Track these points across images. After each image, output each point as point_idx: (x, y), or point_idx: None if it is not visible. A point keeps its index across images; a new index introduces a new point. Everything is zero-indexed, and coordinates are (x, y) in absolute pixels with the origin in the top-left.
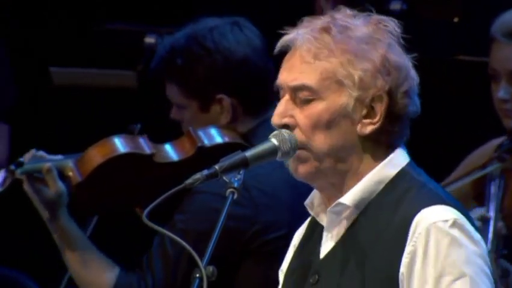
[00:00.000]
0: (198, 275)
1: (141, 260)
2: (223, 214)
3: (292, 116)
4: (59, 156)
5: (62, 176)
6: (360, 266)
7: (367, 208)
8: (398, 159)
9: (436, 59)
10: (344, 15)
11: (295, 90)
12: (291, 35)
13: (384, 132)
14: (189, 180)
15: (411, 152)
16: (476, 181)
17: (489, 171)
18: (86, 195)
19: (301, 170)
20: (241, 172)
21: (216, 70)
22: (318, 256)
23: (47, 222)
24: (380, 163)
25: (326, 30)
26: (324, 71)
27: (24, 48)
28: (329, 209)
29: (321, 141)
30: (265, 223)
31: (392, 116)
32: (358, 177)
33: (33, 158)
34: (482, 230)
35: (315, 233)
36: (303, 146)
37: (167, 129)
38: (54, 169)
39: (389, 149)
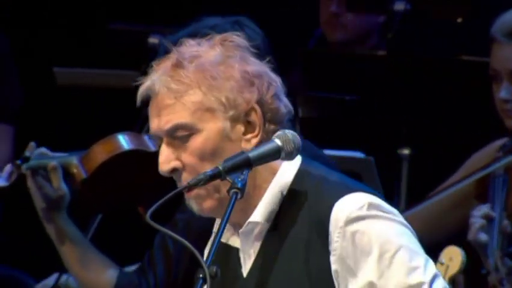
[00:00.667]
0: (201, 275)
1: (142, 259)
2: (227, 214)
3: (177, 159)
4: (64, 154)
5: (67, 173)
6: (286, 275)
7: (276, 219)
8: (291, 163)
9: (439, 59)
10: (188, 46)
11: (171, 132)
12: (147, 83)
13: (264, 139)
14: (193, 181)
15: (413, 152)
16: (478, 181)
17: (492, 170)
18: (91, 193)
19: (206, 207)
20: (244, 172)
21: None
22: (242, 276)
23: (44, 221)
24: (276, 171)
25: (177, 65)
26: (191, 105)
27: (28, 49)
28: (240, 230)
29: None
30: None
31: (269, 122)
32: (260, 192)
33: (39, 154)
34: (487, 228)
35: (231, 255)
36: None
37: None
38: (59, 167)
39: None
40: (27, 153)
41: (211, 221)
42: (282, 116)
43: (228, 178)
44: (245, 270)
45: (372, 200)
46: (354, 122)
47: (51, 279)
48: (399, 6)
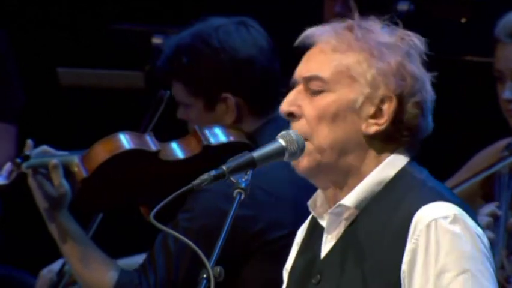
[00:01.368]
0: (205, 276)
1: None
2: (231, 214)
3: (300, 106)
4: (65, 152)
5: (68, 171)
6: (361, 266)
7: (367, 208)
8: (398, 159)
9: (443, 59)
10: (371, 23)
11: (308, 81)
12: (313, 29)
13: (389, 137)
14: (196, 181)
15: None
16: (484, 180)
17: (498, 170)
18: (92, 192)
19: (303, 163)
20: (248, 173)
21: (221, 69)
22: (319, 256)
23: (46, 220)
24: (381, 162)
25: (348, 28)
26: (338, 65)
27: (31, 49)
28: (329, 211)
29: (324, 133)
30: (268, 222)
31: (400, 122)
32: (359, 177)
33: (40, 152)
34: (493, 227)
35: (316, 232)
36: (306, 137)
37: (174, 130)
38: (60, 166)
39: (394, 152)
40: (27, 152)
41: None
42: (417, 128)
43: (231, 178)
44: (323, 251)
45: (460, 214)
46: None
47: (56, 265)
48: (402, 6)
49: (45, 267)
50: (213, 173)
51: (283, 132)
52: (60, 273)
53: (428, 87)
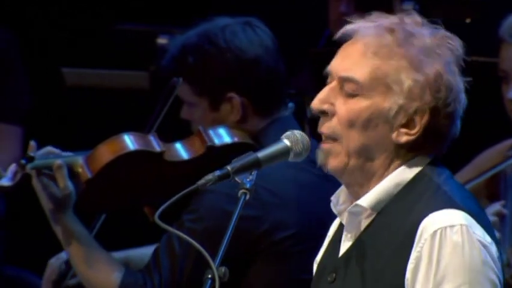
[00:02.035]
0: (210, 276)
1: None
2: (236, 215)
3: (332, 104)
4: (69, 153)
5: (72, 172)
6: (370, 269)
7: (384, 210)
8: (419, 161)
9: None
10: (413, 21)
11: (343, 81)
12: (355, 25)
13: (418, 145)
14: (201, 181)
15: None
16: (489, 180)
17: (503, 169)
18: (96, 192)
19: (330, 163)
20: (253, 173)
21: (227, 69)
22: (338, 255)
23: (51, 221)
24: (402, 164)
25: (390, 31)
26: (376, 70)
27: (37, 49)
28: (348, 209)
29: (354, 138)
30: (273, 223)
31: (431, 132)
32: (381, 177)
33: (45, 153)
34: (499, 226)
35: (340, 229)
36: (334, 137)
37: (179, 130)
38: (64, 166)
39: (418, 156)
40: (31, 153)
41: (218, 223)
42: (446, 136)
43: (236, 178)
44: (341, 250)
45: (467, 224)
46: None
47: (65, 253)
48: (407, 7)
49: (54, 256)
50: (217, 173)
51: (288, 133)
52: (69, 261)
53: (462, 96)
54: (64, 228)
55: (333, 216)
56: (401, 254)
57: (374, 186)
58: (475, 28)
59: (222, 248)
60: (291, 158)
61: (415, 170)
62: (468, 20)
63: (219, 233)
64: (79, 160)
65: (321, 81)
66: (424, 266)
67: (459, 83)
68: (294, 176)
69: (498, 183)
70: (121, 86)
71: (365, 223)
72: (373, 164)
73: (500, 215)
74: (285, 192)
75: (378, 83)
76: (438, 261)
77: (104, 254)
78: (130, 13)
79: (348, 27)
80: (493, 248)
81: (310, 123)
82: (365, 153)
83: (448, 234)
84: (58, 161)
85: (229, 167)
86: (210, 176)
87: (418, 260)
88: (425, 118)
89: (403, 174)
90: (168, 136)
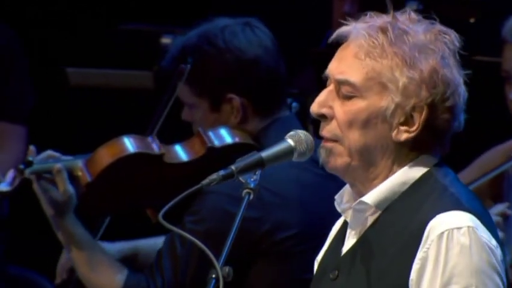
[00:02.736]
0: (213, 276)
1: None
2: (240, 214)
3: (331, 107)
4: (69, 157)
5: (72, 176)
6: (374, 268)
7: (389, 209)
8: (426, 161)
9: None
10: (407, 19)
11: (339, 83)
12: (348, 27)
13: (420, 142)
14: (205, 181)
15: None
16: (492, 180)
17: (506, 169)
18: (96, 196)
19: (332, 163)
20: (257, 173)
21: (227, 69)
22: (341, 252)
23: (53, 224)
24: (408, 162)
25: (382, 30)
26: (370, 71)
27: (41, 49)
28: (352, 206)
29: (355, 138)
30: (275, 223)
31: (431, 128)
32: (385, 175)
33: (44, 157)
34: (503, 226)
35: (344, 228)
36: (336, 139)
37: (183, 129)
38: (64, 170)
39: (422, 155)
40: (29, 158)
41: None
42: (448, 131)
43: (240, 178)
44: (345, 248)
45: (474, 226)
46: None
47: None
48: (411, 6)
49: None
50: (221, 172)
51: (292, 132)
52: None
53: (461, 89)
54: (65, 231)
55: (335, 216)
56: (406, 253)
57: (377, 182)
58: (479, 28)
59: (226, 248)
60: (295, 157)
61: (421, 170)
62: (472, 20)
63: (221, 234)
64: (78, 164)
65: (324, 81)
66: (430, 267)
67: (457, 76)
68: (296, 175)
69: (501, 184)
70: (124, 85)
71: (369, 221)
72: (375, 163)
73: (504, 216)
74: (287, 192)
75: (374, 83)
76: (445, 262)
77: (107, 256)
78: (133, 13)
79: (341, 30)
80: (498, 251)
81: (313, 123)
82: (366, 153)
83: (455, 236)
84: (58, 165)
85: (233, 167)
86: (214, 176)
87: (424, 260)
88: (424, 114)
89: (409, 173)
90: (170, 138)
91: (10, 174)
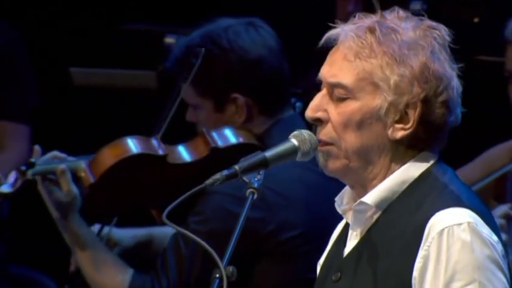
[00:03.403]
0: (217, 275)
1: (155, 261)
2: (244, 214)
3: (325, 111)
4: (72, 158)
5: (75, 177)
6: (376, 268)
7: (389, 208)
8: (424, 159)
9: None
10: (395, 17)
11: (332, 87)
12: (337, 30)
13: (416, 139)
14: (209, 181)
15: None
16: (496, 180)
17: (509, 170)
18: (99, 197)
19: (330, 166)
20: (261, 172)
21: (231, 69)
22: (343, 254)
23: (58, 224)
24: (406, 162)
25: (370, 30)
26: (361, 72)
27: (44, 49)
28: (352, 207)
29: (351, 140)
30: (279, 223)
31: (427, 123)
32: (384, 175)
33: (48, 158)
34: (507, 228)
35: (346, 229)
36: (332, 142)
37: (188, 129)
38: (67, 171)
39: (421, 152)
40: (32, 159)
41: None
42: (444, 126)
43: (244, 178)
44: (346, 250)
45: (474, 222)
46: None
47: (94, 228)
48: (415, 6)
49: None
50: (225, 172)
51: (295, 132)
52: (98, 236)
53: (454, 82)
54: (70, 232)
55: (339, 216)
56: (408, 252)
57: (376, 182)
58: (483, 28)
59: (230, 248)
60: (298, 157)
61: (420, 168)
62: (476, 20)
63: (224, 234)
64: (81, 164)
65: None
66: (432, 264)
67: (449, 70)
68: (300, 175)
69: (505, 184)
70: (128, 85)
71: (370, 221)
72: (373, 163)
73: (507, 217)
74: (291, 193)
75: (366, 83)
76: (447, 259)
77: (111, 256)
78: (137, 13)
79: (330, 33)
80: (499, 247)
81: None
82: (364, 154)
83: (455, 232)
84: (61, 166)
85: (237, 167)
86: (217, 176)
87: (426, 258)
88: (418, 110)
89: (408, 172)
90: (175, 139)
91: (12, 175)
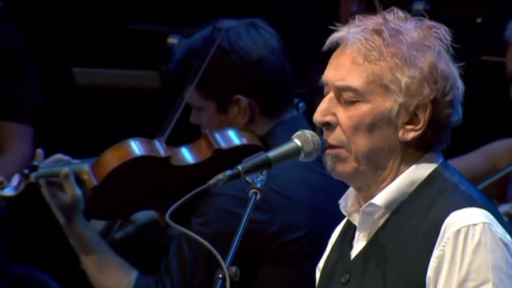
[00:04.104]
0: (220, 276)
1: (159, 264)
2: (246, 215)
3: (334, 114)
4: (76, 161)
5: (78, 180)
6: (388, 269)
7: (399, 209)
8: (431, 160)
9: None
10: (396, 18)
11: (340, 90)
12: (342, 33)
13: (425, 139)
14: (212, 181)
15: None
16: (498, 180)
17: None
18: (103, 199)
19: (339, 170)
20: (264, 173)
21: (233, 70)
22: (350, 255)
23: (63, 226)
24: (413, 163)
25: (377, 32)
26: (371, 74)
27: (47, 49)
28: (361, 208)
29: (361, 143)
30: (282, 224)
31: (435, 124)
32: (392, 176)
33: (52, 161)
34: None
35: (350, 231)
36: (342, 145)
37: (191, 129)
38: (71, 174)
39: (427, 153)
40: (35, 162)
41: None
42: (448, 125)
43: (247, 178)
44: (354, 251)
45: (489, 222)
46: None
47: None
48: (418, 6)
49: None
50: (228, 172)
51: (298, 132)
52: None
53: (458, 82)
54: (75, 234)
55: (341, 217)
56: (422, 252)
57: (384, 185)
58: (486, 28)
59: (233, 248)
60: (301, 158)
61: (428, 169)
62: (479, 20)
63: (227, 235)
64: (85, 167)
65: None
66: (447, 264)
67: (453, 70)
68: (303, 176)
69: (506, 184)
70: (131, 85)
71: (379, 222)
72: (383, 166)
73: (508, 216)
74: (295, 194)
75: (376, 86)
76: (462, 259)
77: (116, 258)
78: (140, 13)
79: (335, 36)
80: None
81: None
82: (374, 157)
83: (470, 232)
84: (65, 170)
85: (239, 167)
86: (220, 176)
87: (441, 258)
88: (428, 111)
89: (416, 172)
90: (179, 141)
91: (15, 178)
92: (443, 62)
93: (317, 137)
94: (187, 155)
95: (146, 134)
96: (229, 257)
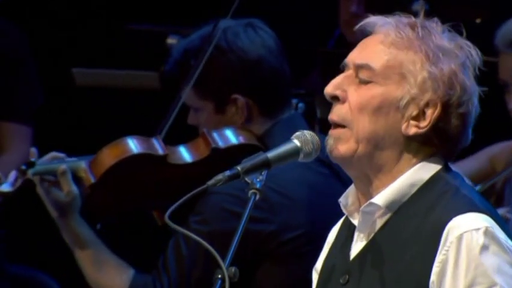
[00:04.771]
0: (219, 276)
1: (156, 262)
2: (246, 215)
3: (345, 91)
4: (73, 158)
5: (75, 177)
6: (389, 271)
7: (399, 211)
8: (434, 163)
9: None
10: (433, 25)
11: (358, 68)
12: (375, 18)
13: (428, 141)
14: (211, 181)
15: None
16: (495, 184)
17: (507, 174)
18: (100, 197)
19: (339, 148)
20: (263, 173)
21: (230, 70)
22: (349, 256)
23: (58, 224)
24: (415, 164)
25: (411, 26)
26: (392, 59)
27: (47, 49)
28: (361, 208)
29: (364, 124)
30: (281, 224)
31: (441, 131)
32: (392, 176)
33: (48, 159)
34: None
35: (348, 231)
36: (344, 124)
37: (189, 129)
38: (68, 171)
39: (430, 158)
40: (32, 159)
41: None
42: (456, 138)
43: (246, 179)
44: (354, 251)
45: (491, 227)
46: None
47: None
48: (417, 6)
49: None
50: (227, 173)
51: (298, 133)
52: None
53: (475, 100)
54: (70, 232)
55: (340, 215)
56: (424, 257)
57: (383, 181)
58: (485, 28)
59: (232, 248)
60: (300, 158)
61: (430, 172)
62: (478, 20)
63: (225, 234)
64: (82, 165)
65: (331, 81)
66: (451, 268)
67: (474, 87)
68: (301, 175)
69: (503, 188)
70: (130, 86)
71: (379, 223)
72: (382, 153)
73: (505, 219)
74: (293, 193)
75: (393, 72)
76: (467, 264)
77: (112, 256)
78: (139, 13)
79: (368, 21)
80: None
81: (320, 123)
82: (374, 141)
83: (474, 237)
84: (62, 166)
85: (239, 167)
86: (219, 176)
87: (444, 263)
88: (436, 112)
89: (418, 174)
90: (177, 141)
91: (12, 174)
92: (465, 74)
93: (316, 138)
94: (184, 153)
95: (146, 134)
96: (229, 257)
